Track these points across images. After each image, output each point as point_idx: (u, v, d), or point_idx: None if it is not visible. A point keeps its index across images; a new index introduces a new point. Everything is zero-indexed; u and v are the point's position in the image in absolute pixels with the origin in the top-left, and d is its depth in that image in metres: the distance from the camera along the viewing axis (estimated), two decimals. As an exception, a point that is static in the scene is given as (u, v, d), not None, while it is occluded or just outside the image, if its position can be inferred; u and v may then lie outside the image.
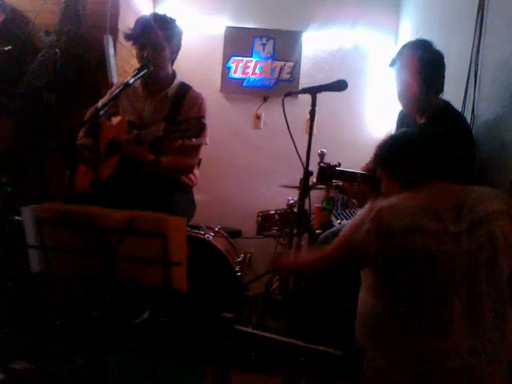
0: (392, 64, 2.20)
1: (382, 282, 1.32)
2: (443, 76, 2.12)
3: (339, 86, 2.04)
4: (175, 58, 2.47)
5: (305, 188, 2.05)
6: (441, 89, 2.14)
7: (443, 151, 1.51)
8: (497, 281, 1.27)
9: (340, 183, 2.22)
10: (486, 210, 1.32)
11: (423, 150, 1.48)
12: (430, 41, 2.14)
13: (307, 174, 2.04)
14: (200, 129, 1.87)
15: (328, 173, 2.18)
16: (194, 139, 2.01)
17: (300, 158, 2.02)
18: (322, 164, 2.20)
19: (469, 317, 1.23)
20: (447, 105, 2.13)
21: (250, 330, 1.21)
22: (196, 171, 2.55)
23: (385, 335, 1.28)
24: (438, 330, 1.22)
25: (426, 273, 1.26)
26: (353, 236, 1.37)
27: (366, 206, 1.39)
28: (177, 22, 2.39)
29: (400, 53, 2.17)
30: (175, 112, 2.36)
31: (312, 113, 2.03)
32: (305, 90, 2.08)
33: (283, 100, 2.05)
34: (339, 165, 2.21)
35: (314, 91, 2.04)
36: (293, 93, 2.18)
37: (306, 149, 2.01)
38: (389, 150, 1.56)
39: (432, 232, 1.28)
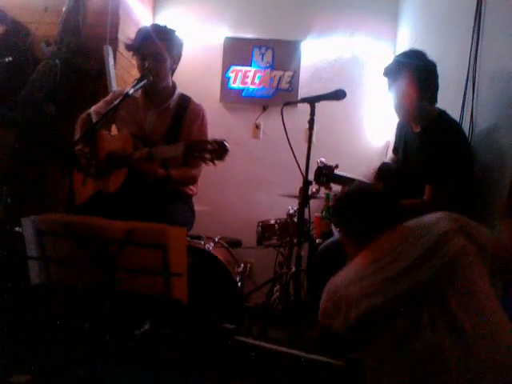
0: (386, 74, 2.21)
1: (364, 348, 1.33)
2: (437, 85, 2.14)
3: (338, 95, 2.04)
4: (175, 68, 2.48)
5: (304, 197, 2.05)
6: (435, 97, 2.15)
7: (388, 200, 1.53)
8: (469, 297, 1.26)
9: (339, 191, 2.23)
10: (438, 232, 1.33)
11: (364, 207, 1.50)
12: (423, 50, 2.16)
13: (307, 183, 2.04)
14: (224, 153, 1.86)
15: (326, 172, 2.19)
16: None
17: (299, 167, 2.03)
18: (319, 164, 2.20)
19: (455, 342, 1.21)
20: (442, 113, 2.14)
21: (250, 340, 1.21)
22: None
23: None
24: (430, 367, 1.21)
25: (396, 323, 1.26)
26: (323, 319, 1.40)
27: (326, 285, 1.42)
28: (177, 33, 2.40)
29: (394, 62, 2.19)
30: (178, 124, 2.37)
31: (311, 122, 2.03)
32: (304, 100, 2.09)
33: (282, 109, 2.06)
34: (337, 166, 2.22)
35: (312, 101, 2.05)
36: (291, 102, 2.19)
37: (305, 158, 2.01)
38: (337, 214, 1.60)
39: (381, 284, 1.29)
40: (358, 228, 1.50)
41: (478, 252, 1.32)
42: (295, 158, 2.03)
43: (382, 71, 2.23)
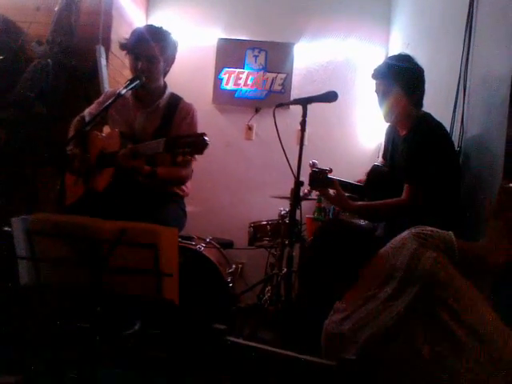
0: (375, 76, 2.23)
1: None
2: (424, 90, 2.17)
3: (329, 97, 2.06)
4: (168, 70, 2.47)
5: (296, 198, 2.05)
6: (421, 102, 2.18)
7: (364, 232, 1.56)
8: (456, 303, 1.28)
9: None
10: (408, 253, 1.37)
11: (343, 246, 1.52)
12: (412, 55, 2.18)
13: (298, 184, 2.05)
14: (202, 146, 1.85)
15: (320, 177, 2.20)
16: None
17: (291, 169, 2.03)
18: (314, 168, 2.21)
19: (454, 351, 1.22)
20: (426, 115, 2.16)
21: (241, 341, 1.21)
22: (188, 182, 2.55)
23: None
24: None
25: (393, 348, 1.29)
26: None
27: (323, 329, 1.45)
28: (172, 35, 2.40)
29: (383, 65, 2.21)
30: (167, 123, 2.36)
31: (303, 124, 2.03)
32: (296, 101, 2.10)
33: (274, 111, 2.06)
34: (331, 170, 2.23)
35: (304, 102, 2.05)
36: (284, 104, 2.20)
37: (295, 159, 2.02)
38: (318, 260, 1.61)
39: (371, 314, 1.32)
40: (341, 268, 1.50)
41: (449, 259, 1.36)
42: (287, 159, 2.03)
43: (371, 73, 2.24)
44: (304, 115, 2.04)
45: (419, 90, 2.16)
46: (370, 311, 1.34)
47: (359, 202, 2.19)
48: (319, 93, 2.07)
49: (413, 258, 1.35)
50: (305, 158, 2.05)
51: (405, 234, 1.46)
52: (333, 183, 2.17)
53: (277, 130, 2.05)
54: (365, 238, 1.55)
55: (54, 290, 1.61)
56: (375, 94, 2.25)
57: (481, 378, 1.18)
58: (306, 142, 2.07)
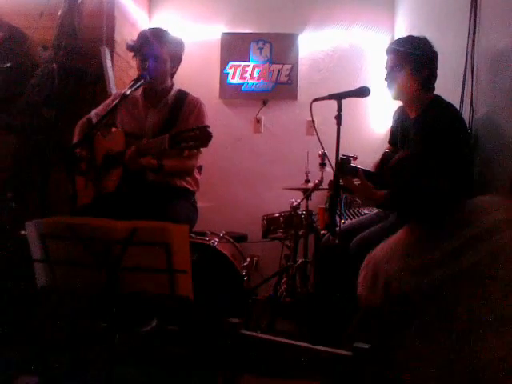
0: (388, 51, 2.23)
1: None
2: (435, 74, 2.15)
3: (363, 92, 2.18)
4: (175, 71, 2.51)
5: (336, 188, 2.11)
6: (432, 86, 2.17)
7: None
8: (504, 294, 1.24)
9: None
10: (491, 220, 1.29)
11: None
12: (426, 38, 2.15)
13: (337, 176, 2.09)
14: (207, 138, 1.86)
15: (347, 165, 2.19)
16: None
17: (327, 157, 2.01)
18: (342, 156, 2.20)
19: (493, 331, 1.18)
20: (437, 97, 2.15)
21: (255, 334, 1.22)
22: (198, 177, 2.57)
23: None
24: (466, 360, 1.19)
25: (432, 309, 1.25)
26: (361, 290, 1.42)
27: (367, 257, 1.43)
28: (177, 36, 2.44)
29: (397, 42, 2.20)
30: (174, 118, 2.39)
31: (338, 118, 2.13)
32: (331, 97, 2.17)
33: (311, 105, 2.16)
34: (356, 157, 2.24)
35: (339, 97, 2.14)
36: (319, 99, 2.23)
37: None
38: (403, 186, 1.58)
39: (417, 265, 1.29)
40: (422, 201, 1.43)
41: None
42: (321, 143, 2.17)
43: (386, 49, 2.25)
44: (339, 110, 2.12)
45: (428, 72, 2.14)
46: (429, 261, 1.28)
47: (383, 191, 2.15)
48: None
49: (492, 228, 1.27)
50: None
51: (497, 199, 1.39)
52: (356, 172, 2.15)
53: (312, 120, 2.14)
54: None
55: (71, 291, 1.64)
56: (385, 68, 2.25)
57: None
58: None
